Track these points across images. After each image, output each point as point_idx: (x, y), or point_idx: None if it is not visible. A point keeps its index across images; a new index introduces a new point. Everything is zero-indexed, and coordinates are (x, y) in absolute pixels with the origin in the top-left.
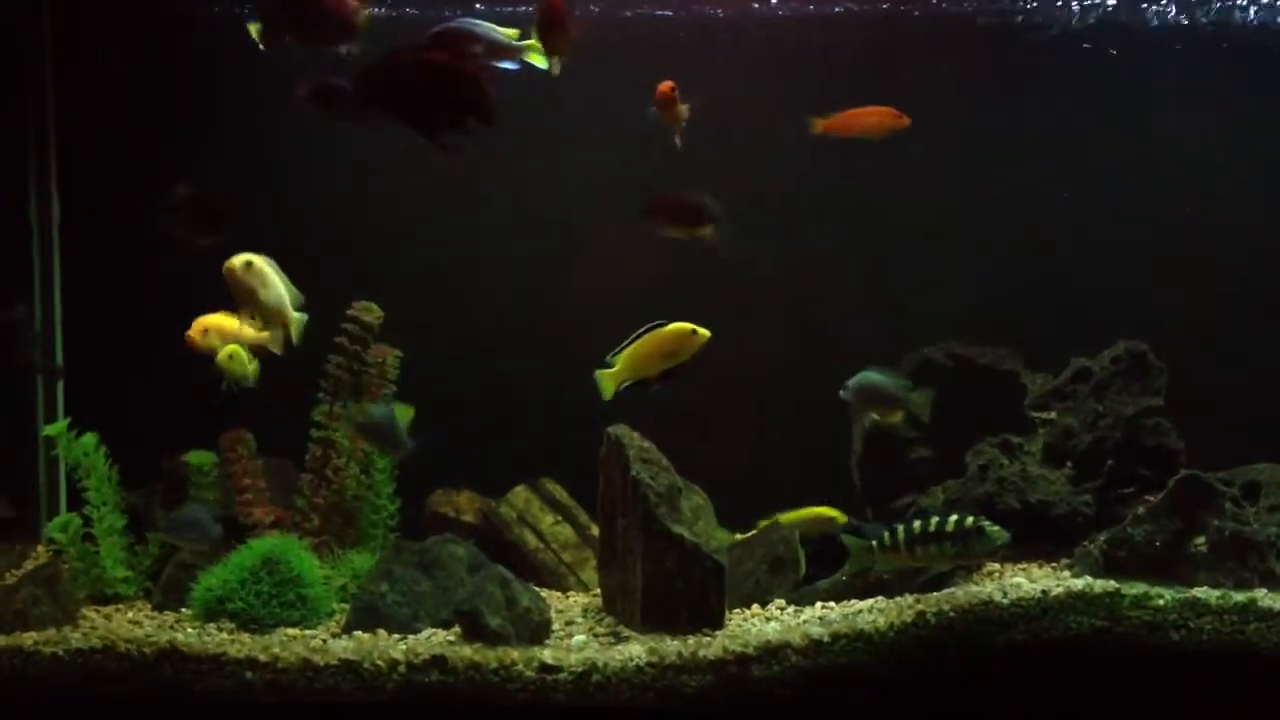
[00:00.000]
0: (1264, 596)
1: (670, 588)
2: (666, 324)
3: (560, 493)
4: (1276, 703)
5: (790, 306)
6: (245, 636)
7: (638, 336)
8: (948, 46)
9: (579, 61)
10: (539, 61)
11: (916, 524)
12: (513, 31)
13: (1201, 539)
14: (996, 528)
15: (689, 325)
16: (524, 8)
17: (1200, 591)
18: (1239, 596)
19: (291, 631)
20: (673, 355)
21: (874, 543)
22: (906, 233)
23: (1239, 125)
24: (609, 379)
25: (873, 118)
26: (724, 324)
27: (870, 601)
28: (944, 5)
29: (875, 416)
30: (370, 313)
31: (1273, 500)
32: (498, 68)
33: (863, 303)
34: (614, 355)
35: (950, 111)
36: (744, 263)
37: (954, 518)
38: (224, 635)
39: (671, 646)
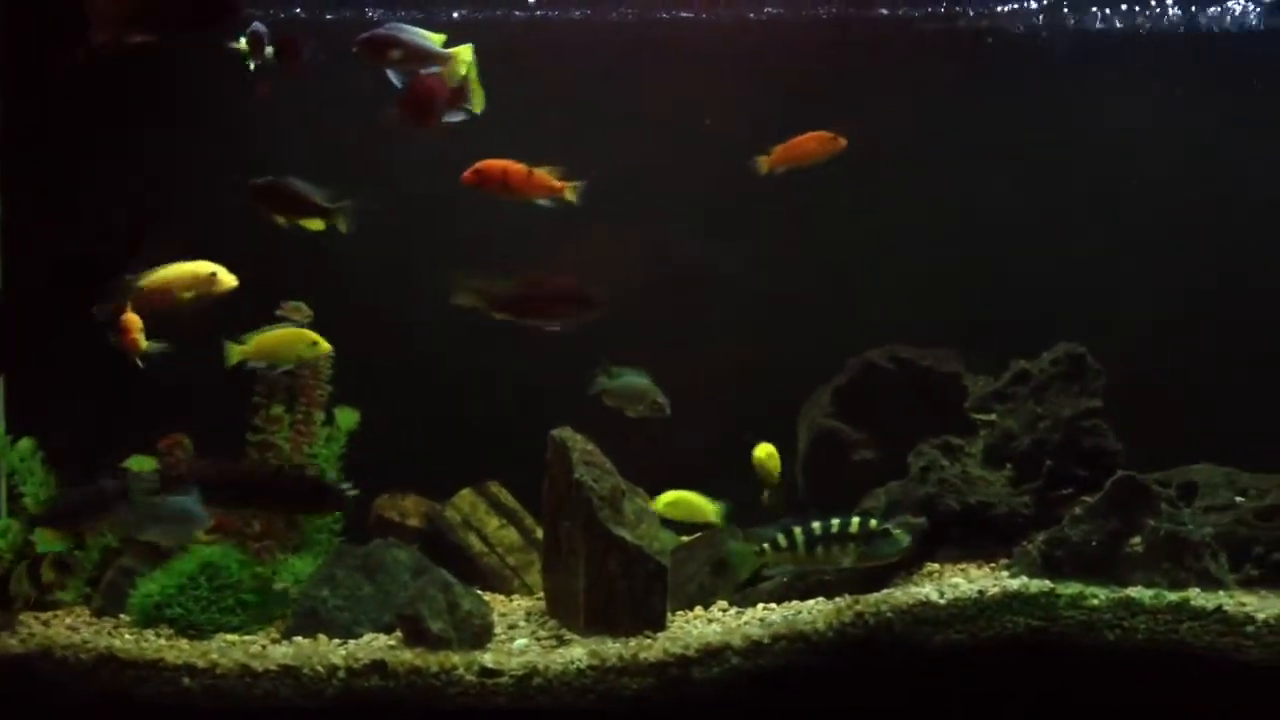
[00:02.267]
0: (1197, 596)
1: (613, 590)
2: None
3: (506, 496)
4: (1209, 701)
5: (739, 310)
6: (184, 642)
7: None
8: (890, 51)
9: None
10: (463, 70)
11: (816, 525)
12: (438, 37)
13: (1138, 539)
14: (900, 531)
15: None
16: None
17: (1135, 591)
18: (1172, 596)
19: (231, 637)
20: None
21: (764, 545)
22: (852, 237)
23: (1181, 128)
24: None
25: (811, 144)
26: (673, 327)
27: (811, 603)
28: (884, 11)
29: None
30: (299, 313)
31: (1208, 501)
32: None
33: (810, 306)
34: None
35: (899, 115)
36: (696, 267)
37: (856, 519)
38: (162, 641)
39: (613, 649)
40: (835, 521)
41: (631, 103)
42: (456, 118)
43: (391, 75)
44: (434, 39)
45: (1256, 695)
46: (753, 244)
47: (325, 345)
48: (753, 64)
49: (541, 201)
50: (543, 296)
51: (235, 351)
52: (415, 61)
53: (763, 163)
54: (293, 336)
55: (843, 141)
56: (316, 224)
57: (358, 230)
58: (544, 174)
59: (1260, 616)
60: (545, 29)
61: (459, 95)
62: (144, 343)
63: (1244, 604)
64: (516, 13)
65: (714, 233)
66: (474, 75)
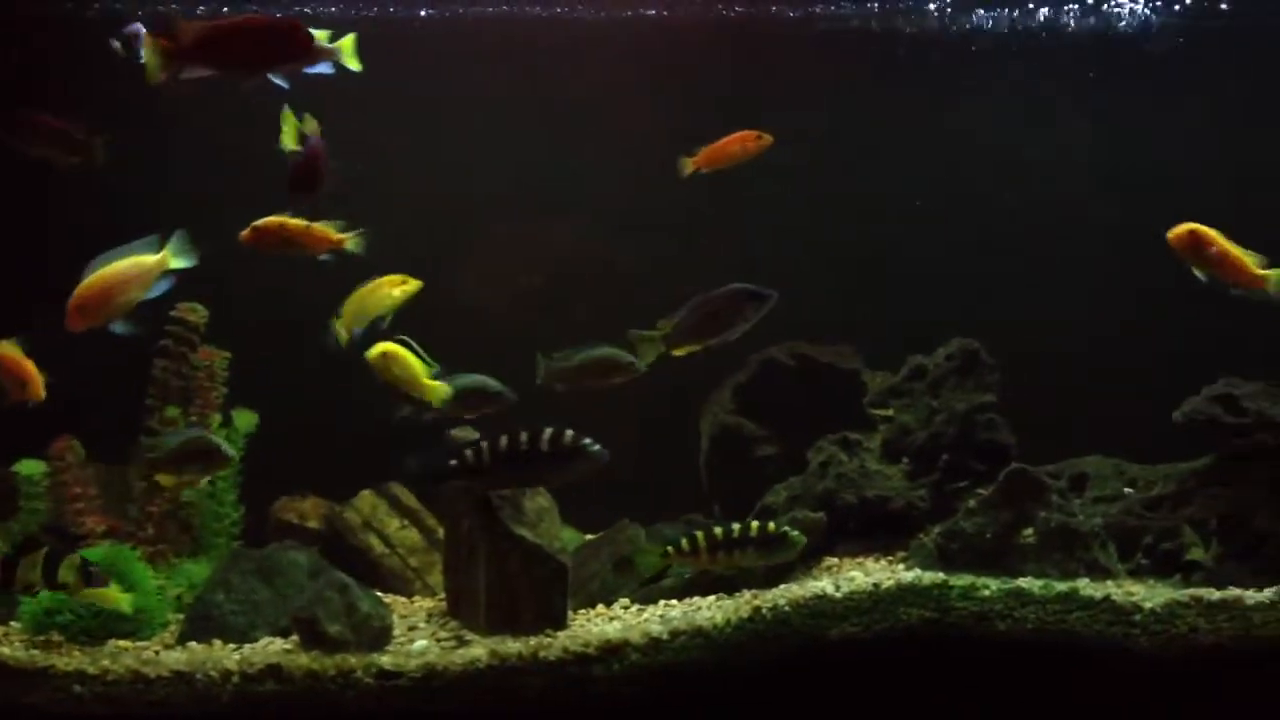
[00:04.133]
0: (1085, 586)
1: (514, 589)
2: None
3: (408, 497)
4: (1097, 689)
5: (644, 309)
6: (75, 649)
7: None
8: (787, 50)
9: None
10: (353, 64)
11: (719, 529)
12: (323, 34)
13: (1030, 530)
14: (797, 533)
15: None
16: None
17: (1025, 582)
18: (1061, 586)
19: (123, 643)
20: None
21: (669, 548)
22: (754, 234)
23: (1075, 127)
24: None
25: (735, 145)
26: (578, 327)
27: (712, 598)
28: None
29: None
30: (195, 313)
31: (1098, 492)
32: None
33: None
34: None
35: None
36: (602, 265)
37: (755, 524)
38: (52, 648)
39: (513, 648)
40: (736, 526)
41: (548, 101)
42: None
43: (278, 78)
44: (320, 34)
45: (1144, 683)
46: (654, 242)
47: (414, 282)
48: (659, 62)
49: (323, 256)
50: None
51: (341, 330)
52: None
53: (687, 164)
54: (374, 285)
55: (768, 139)
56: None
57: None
58: (322, 228)
59: (1147, 605)
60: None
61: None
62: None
63: (1132, 593)
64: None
65: (618, 231)
66: (352, 57)
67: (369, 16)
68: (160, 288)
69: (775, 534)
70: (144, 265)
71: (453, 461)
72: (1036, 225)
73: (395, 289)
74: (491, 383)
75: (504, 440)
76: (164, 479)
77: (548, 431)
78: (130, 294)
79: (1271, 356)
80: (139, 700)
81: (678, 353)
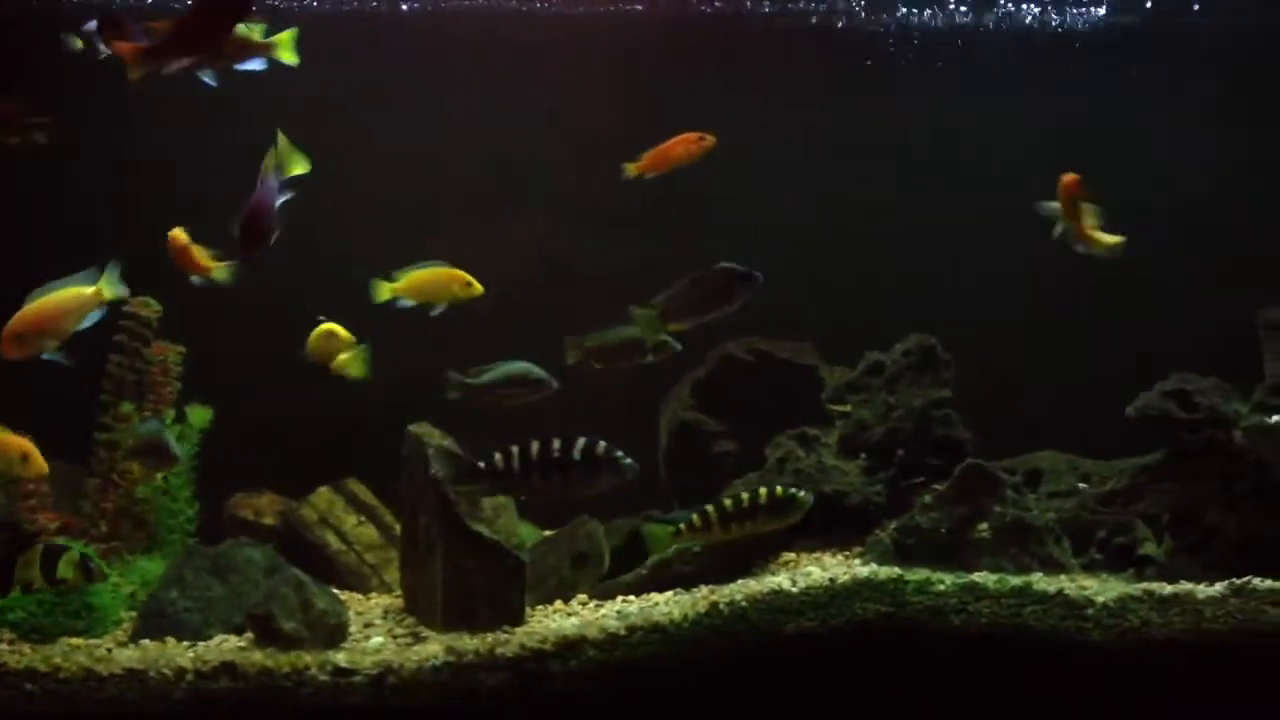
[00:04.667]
0: (1039, 580)
1: (471, 585)
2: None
3: (365, 493)
4: (1050, 682)
5: (603, 305)
6: (26, 647)
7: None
8: (744, 48)
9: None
10: (288, 58)
11: (728, 501)
12: (257, 28)
13: (986, 525)
14: (804, 493)
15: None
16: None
17: (980, 576)
18: (1015, 580)
19: (76, 641)
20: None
21: (681, 526)
22: (710, 230)
23: (1027, 124)
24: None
25: (679, 148)
26: (537, 325)
27: (669, 594)
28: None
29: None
30: (148, 308)
31: (1052, 487)
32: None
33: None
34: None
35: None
36: (560, 263)
37: (764, 490)
38: (3, 646)
39: (470, 645)
40: (745, 495)
41: (500, 98)
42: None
43: (206, 76)
44: (253, 30)
45: (1096, 675)
46: (616, 239)
47: (478, 287)
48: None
49: (195, 279)
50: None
51: (385, 289)
52: (235, 53)
53: (630, 169)
54: (445, 276)
55: (711, 140)
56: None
57: (209, 226)
58: (200, 252)
59: (1099, 599)
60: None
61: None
62: None
63: (1085, 587)
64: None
65: (578, 229)
66: (289, 51)
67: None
68: (94, 317)
69: (784, 497)
70: (81, 296)
71: (480, 464)
72: (991, 223)
73: (459, 287)
74: (535, 370)
75: (535, 446)
76: (134, 469)
77: (580, 441)
78: (66, 324)
79: (1225, 353)
80: (91, 698)
81: (673, 328)
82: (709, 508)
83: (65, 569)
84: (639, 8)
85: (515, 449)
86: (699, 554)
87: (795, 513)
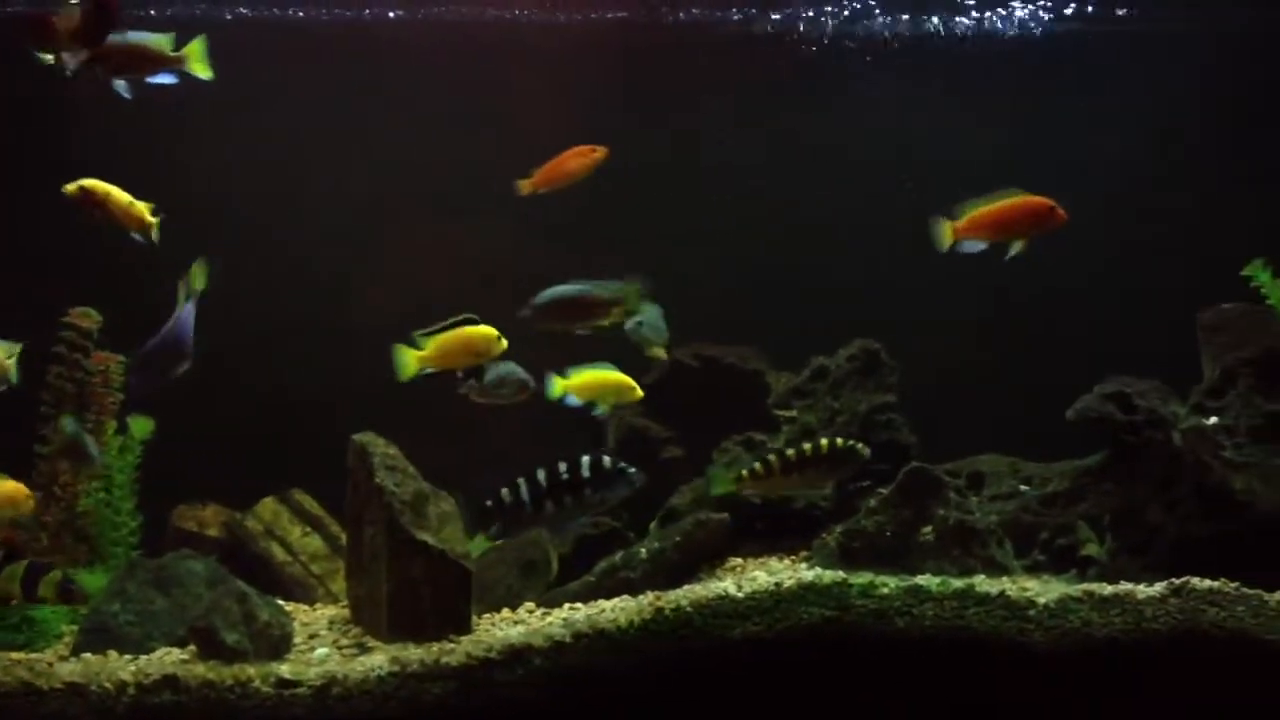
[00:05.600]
0: (982, 582)
1: (417, 595)
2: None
3: (310, 503)
4: (992, 683)
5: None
6: None
7: (448, 326)
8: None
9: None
10: (202, 71)
11: (790, 450)
12: (164, 39)
13: (929, 528)
14: (863, 446)
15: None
16: None
17: (923, 579)
18: (958, 583)
19: (16, 655)
20: (478, 355)
21: (743, 473)
22: (659, 235)
23: (976, 128)
24: (412, 359)
25: (571, 162)
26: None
27: (615, 601)
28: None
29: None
30: (88, 318)
31: (995, 490)
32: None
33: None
34: (422, 335)
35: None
36: (503, 267)
37: (825, 441)
38: None
39: (415, 654)
40: (807, 446)
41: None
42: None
43: (119, 86)
44: (161, 41)
45: (1038, 676)
46: (559, 243)
47: (639, 392)
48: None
49: (136, 236)
50: None
51: (559, 385)
52: (144, 64)
53: (523, 186)
54: (613, 380)
55: (601, 152)
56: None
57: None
58: (140, 209)
59: (1041, 601)
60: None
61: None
62: None
63: (1026, 589)
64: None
65: (522, 232)
66: (201, 63)
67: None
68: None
69: (844, 448)
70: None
71: (488, 503)
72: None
73: (626, 391)
74: (522, 372)
75: (541, 474)
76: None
77: (585, 458)
78: None
79: (1166, 355)
80: (31, 713)
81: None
82: (771, 456)
83: (46, 589)
84: (594, 15)
85: (521, 480)
86: (645, 561)
87: (854, 462)
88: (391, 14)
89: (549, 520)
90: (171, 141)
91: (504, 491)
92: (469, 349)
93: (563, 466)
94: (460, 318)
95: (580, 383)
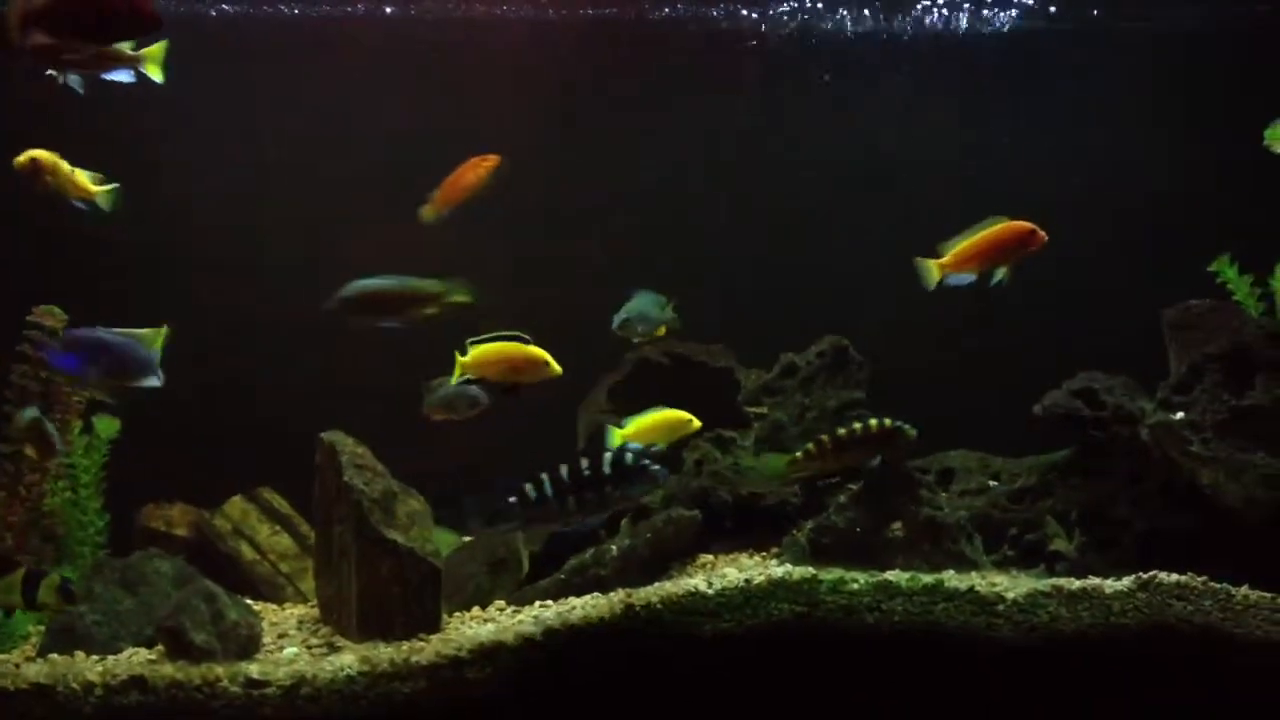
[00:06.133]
0: (951, 577)
1: (386, 594)
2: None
3: (279, 502)
4: (962, 678)
5: (516, 310)
6: None
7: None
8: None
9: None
10: (155, 73)
11: (841, 430)
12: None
13: (899, 524)
14: (909, 426)
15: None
16: None
17: (893, 574)
18: (927, 578)
19: None
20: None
21: (796, 455)
22: (624, 233)
23: (944, 128)
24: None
25: (468, 175)
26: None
27: (586, 599)
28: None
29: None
30: (53, 316)
31: (964, 485)
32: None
33: (586, 305)
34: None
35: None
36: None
37: (874, 420)
38: None
39: (385, 654)
40: (857, 425)
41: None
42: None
43: (73, 81)
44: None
45: (1007, 670)
46: (527, 243)
47: (697, 422)
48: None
49: (77, 203)
50: None
51: (618, 436)
52: (101, 61)
53: (427, 211)
54: (672, 419)
55: (494, 159)
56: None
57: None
58: (83, 178)
59: (1010, 596)
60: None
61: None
62: None
63: (995, 584)
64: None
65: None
66: (156, 66)
67: None
68: None
69: (891, 428)
70: None
71: (511, 499)
72: (902, 225)
73: (684, 425)
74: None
75: (564, 469)
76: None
77: (607, 455)
78: None
79: (1135, 350)
80: None
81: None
82: (824, 437)
83: (46, 594)
84: (552, 14)
85: (545, 476)
86: (616, 558)
87: (901, 441)
88: (357, 9)
89: (570, 515)
90: (129, 138)
91: (527, 487)
92: (512, 365)
93: (585, 463)
94: (510, 334)
95: (639, 430)
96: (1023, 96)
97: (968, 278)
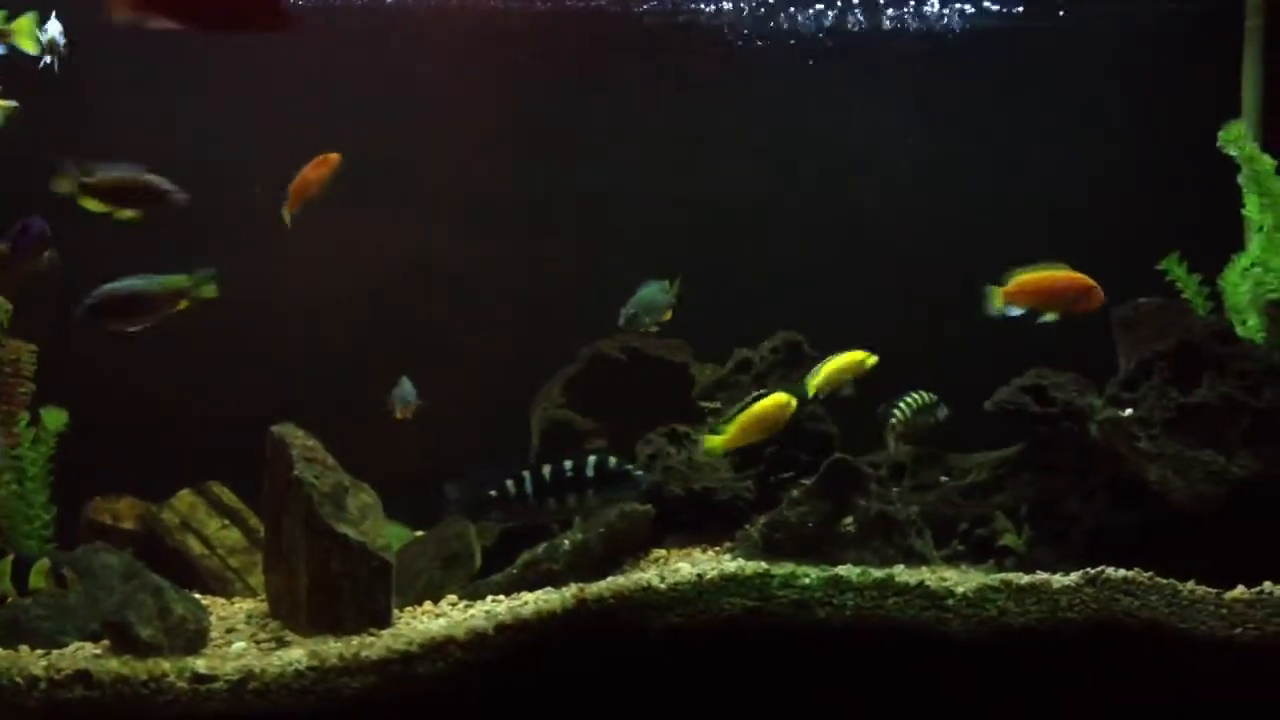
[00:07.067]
0: (901, 572)
1: (336, 588)
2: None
3: (229, 496)
4: (912, 672)
5: (468, 306)
6: None
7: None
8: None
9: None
10: (29, 47)
11: (913, 398)
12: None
13: (851, 519)
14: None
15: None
16: None
17: (844, 569)
18: (878, 573)
19: None
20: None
21: (895, 417)
22: (589, 229)
23: (897, 124)
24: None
25: (312, 174)
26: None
27: (539, 593)
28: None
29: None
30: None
31: (915, 480)
32: None
33: (542, 299)
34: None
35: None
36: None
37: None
38: None
39: (334, 648)
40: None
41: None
42: None
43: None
44: None
45: (956, 664)
46: (486, 240)
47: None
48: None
49: None
50: None
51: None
52: None
53: (286, 214)
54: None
55: (335, 158)
56: None
57: (61, 222)
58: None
59: (959, 590)
60: None
61: None
62: None
63: (945, 579)
64: None
65: (444, 229)
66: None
67: None
68: None
69: (934, 402)
70: None
71: (492, 493)
72: (859, 219)
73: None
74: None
75: (547, 469)
76: None
77: (591, 458)
78: None
79: (1085, 349)
80: None
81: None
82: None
83: (36, 579)
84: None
85: (526, 474)
86: (568, 552)
87: (933, 420)
88: None
89: (549, 516)
90: (80, 125)
91: (509, 484)
92: (763, 423)
93: (568, 465)
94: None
95: (824, 376)
96: (976, 95)
97: (1020, 310)
